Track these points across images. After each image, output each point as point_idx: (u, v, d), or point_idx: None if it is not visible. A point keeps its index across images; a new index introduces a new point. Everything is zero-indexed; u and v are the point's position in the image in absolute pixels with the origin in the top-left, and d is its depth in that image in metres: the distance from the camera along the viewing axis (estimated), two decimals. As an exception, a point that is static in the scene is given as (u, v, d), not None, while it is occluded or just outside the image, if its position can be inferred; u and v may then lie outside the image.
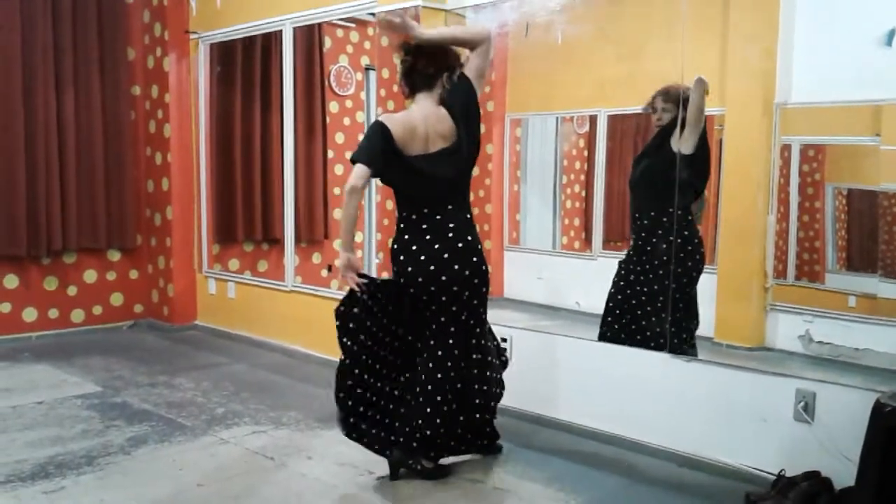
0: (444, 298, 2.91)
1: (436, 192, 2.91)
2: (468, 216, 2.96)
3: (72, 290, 5.63)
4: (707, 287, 3.68)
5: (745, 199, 3.70)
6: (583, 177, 5.31)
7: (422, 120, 2.89)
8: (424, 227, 2.91)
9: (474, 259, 2.90)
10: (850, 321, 3.53)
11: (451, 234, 2.88)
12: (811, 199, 3.87)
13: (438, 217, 2.89)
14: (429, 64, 2.90)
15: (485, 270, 2.96)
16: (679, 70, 3.52)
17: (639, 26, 4.41)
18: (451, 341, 2.96)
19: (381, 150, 2.83)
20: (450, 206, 2.90)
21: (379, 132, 2.84)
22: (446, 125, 2.89)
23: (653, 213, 3.68)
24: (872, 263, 3.70)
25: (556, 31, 4.60)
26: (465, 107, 2.90)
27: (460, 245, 2.88)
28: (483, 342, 3.05)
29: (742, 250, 3.71)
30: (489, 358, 3.07)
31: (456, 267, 2.87)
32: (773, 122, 3.58)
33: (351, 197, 2.82)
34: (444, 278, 2.87)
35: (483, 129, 3.03)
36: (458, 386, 2.98)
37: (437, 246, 2.87)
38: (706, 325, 3.70)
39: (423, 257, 2.88)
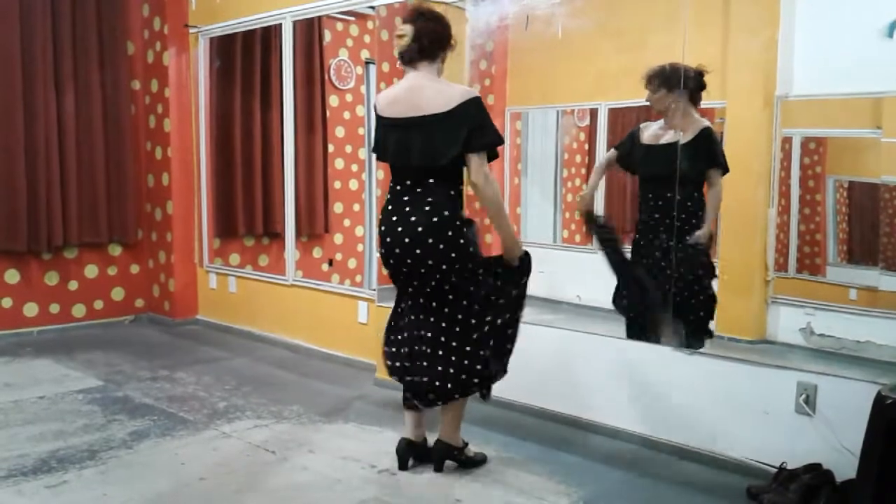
0: (419, 272, 2.87)
1: (410, 161, 2.85)
2: (452, 193, 2.86)
3: (73, 285, 5.63)
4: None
5: (745, 191, 3.70)
6: (583, 170, 5.31)
7: (412, 87, 2.87)
8: (406, 198, 2.88)
9: (449, 234, 2.81)
10: (851, 314, 3.54)
11: (427, 208, 2.82)
12: (812, 191, 3.87)
13: (419, 190, 2.85)
14: (443, 34, 2.87)
15: (462, 245, 2.82)
16: (680, 62, 3.51)
17: (639, 18, 4.40)
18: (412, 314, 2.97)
19: (376, 136, 3.01)
20: (431, 180, 2.84)
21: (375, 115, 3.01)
22: (440, 96, 2.80)
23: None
24: (873, 256, 3.70)
25: (556, 23, 4.59)
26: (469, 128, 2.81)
27: (434, 220, 2.80)
28: (447, 328, 2.91)
29: (743, 243, 3.72)
30: (442, 342, 2.93)
31: (430, 241, 2.81)
32: (774, 114, 3.58)
33: None
34: (397, 251, 2.86)
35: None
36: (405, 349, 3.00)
37: (413, 218, 2.83)
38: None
39: (399, 228, 2.86)
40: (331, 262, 6.23)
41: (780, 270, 3.77)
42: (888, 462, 2.44)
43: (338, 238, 6.27)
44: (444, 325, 2.91)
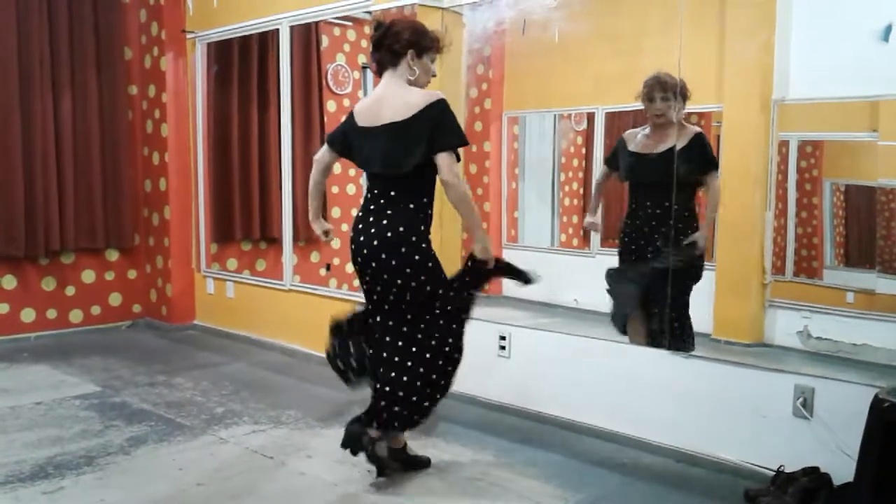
0: (378, 284, 2.90)
1: (378, 171, 2.88)
2: (412, 206, 2.85)
3: (70, 291, 5.62)
4: (706, 284, 3.68)
5: (743, 195, 3.71)
6: (581, 174, 5.32)
7: (379, 96, 2.88)
8: (371, 207, 2.91)
9: (403, 250, 2.82)
10: (848, 317, 3.54)
11: (384, 222, 2.84)
12: (809, 195, 3.88)
13: (382, 201, 2.87)
14: (395, 40, 2.86)
15: (417, 261, 2.83)
16: (676, 66, 3.52)
17: (636, 22, 4.41)
18: (389, 325, 2.95)
19: (343, 131, 3.01)
20: (393, 193, 2.86)
21: (348, 115, 3.01)
22: (401, 104, 2.80)
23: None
24: (870, 259, 3.70)
25: (553, 28, 4.60)
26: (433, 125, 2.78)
27: (388, 234, 2.82)
28: (415, 336, 2.92)
29: (740, 247, 3.72)
30: (411, 356, 2.93)
31: (383, 256, 2.83)
32: (771, 118, 3.58)
33: (314, 167, 3.18)
34: (359, 260, 2.89)
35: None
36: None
37: (372, 231, 2.86)
38: (705, 321, 3.69)
39: (360, 238, 2.89)
40: (328, 267, 6.23)
41: (778, 273, 3.77)
42: (886, 465, 2.44)
43: (335, 243, 6.27)
44: (400, 342, 2.91)
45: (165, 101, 5.70)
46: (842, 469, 2.72)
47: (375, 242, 2.84)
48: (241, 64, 5.84)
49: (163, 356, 5.10)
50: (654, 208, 3.65)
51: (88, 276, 5.71)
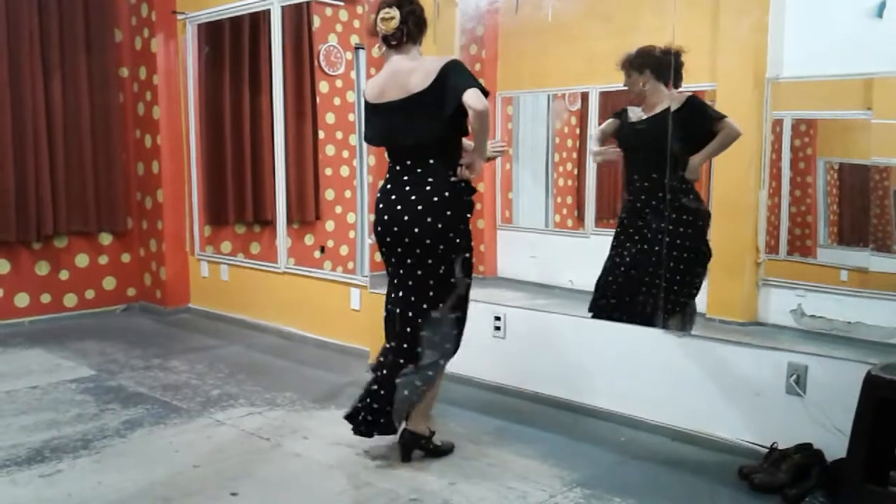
0: (398, 250, 2.94)
1: (407, 142, 2.90)
2: (451, 174, 2.88)
3: (64, 275, 5.61)
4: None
5: (736, 174, 3.70)
6: (575, 154, 5.30)
7: (393, 71, 2.90)
8: (387, 176, 2.96)
9: (448, 213, 2.86)
10: (841, 295, 3.55)
11: (407, 188, 2.88)
12: (803, 173, 3.87)
13: (398, 168, 2.93)
14: (420, 16, 2.92)
15: (450, 233, 2.87)
16: (670, 45, 3.50)
17: (629, 1, 4.38)
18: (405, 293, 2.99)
19: (366, 124, 3.04)
20: (431, 161, 2.87)
21: (365, 104, 3.03)
22: (423, 73, 2.82)
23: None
24: (864, 237, 3.71)
25: (546, 6, 4.57)
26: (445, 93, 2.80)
27: (413, 198, 2.86)
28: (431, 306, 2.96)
29: (734, 226, 3.72)
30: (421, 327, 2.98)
31: (406, 218, 2.87)
32: (765, 96, 3.57)
33: None
34: (395, 230, 2.90)
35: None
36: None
37: (392, 197, 2.91)
38: (699, 301, 3.69)
39: (380, 205, 2.95)
40: (323, 249, 6.22)
41: (772, 252, 3.78)
42: (878, 441, 2.46)
43: (329, 225, 6.26)
44: (420, 293, 2.93)
45: (157, 83, 5.66)
46: (834, 445, 2.74)
47: (420, 208, 2.84)
48: (233, 45, 5.78)
49: (158, 339, 5.10)
50: (643, 181, 3.61)
51: (82, 259, 5.70)
